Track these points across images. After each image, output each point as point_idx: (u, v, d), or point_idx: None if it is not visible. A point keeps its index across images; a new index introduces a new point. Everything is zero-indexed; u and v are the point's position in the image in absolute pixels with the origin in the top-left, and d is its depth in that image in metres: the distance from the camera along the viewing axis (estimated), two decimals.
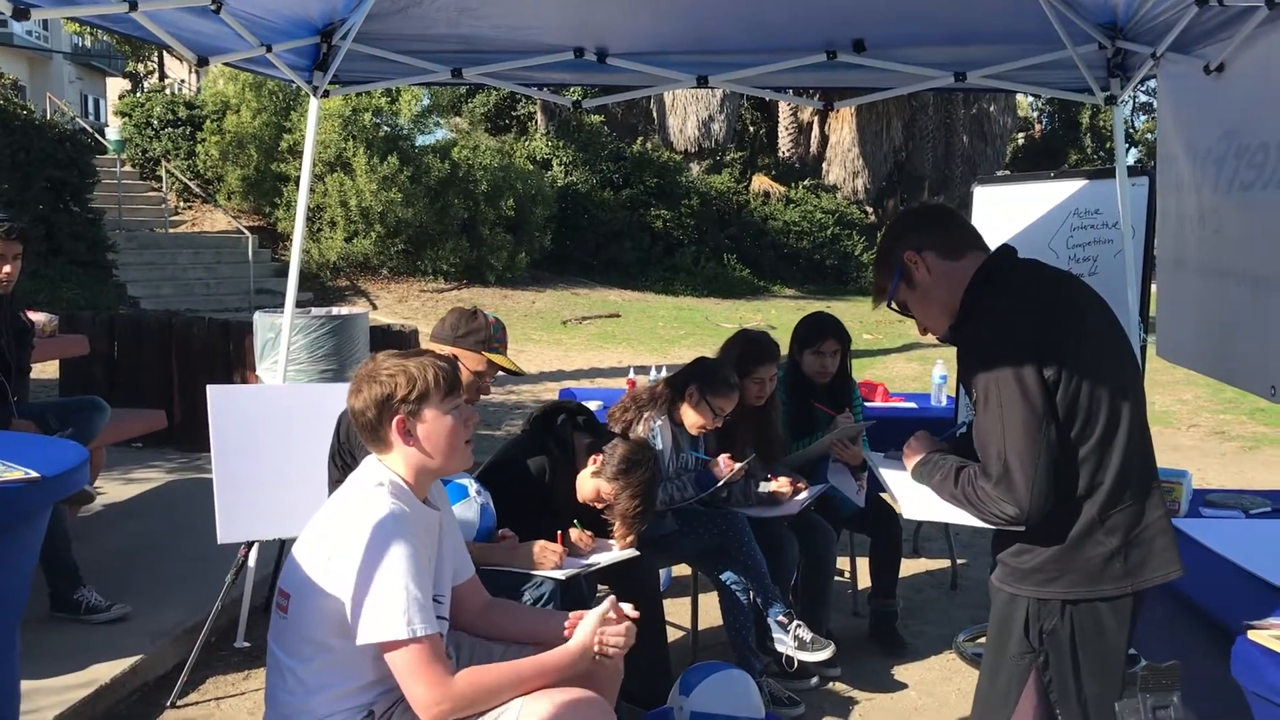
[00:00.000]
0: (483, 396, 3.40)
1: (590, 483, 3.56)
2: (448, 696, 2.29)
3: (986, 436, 2.19)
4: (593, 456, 3.56)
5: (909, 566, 5.14)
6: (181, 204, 20.24)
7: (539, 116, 25.32)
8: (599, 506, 3.58)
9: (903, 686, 4.25)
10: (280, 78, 4.71)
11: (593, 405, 5.49)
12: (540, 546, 3.24)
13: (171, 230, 18.90)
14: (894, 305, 2.50)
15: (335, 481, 3.23)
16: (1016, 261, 2.39)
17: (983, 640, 4.58)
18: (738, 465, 4.01)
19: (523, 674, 2.40)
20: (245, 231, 18.05)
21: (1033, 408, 2.14)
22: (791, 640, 3.89)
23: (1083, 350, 2.20)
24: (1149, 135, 41.74)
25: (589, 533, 3.53)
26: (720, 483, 3.99)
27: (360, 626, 2.28)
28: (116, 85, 37.99)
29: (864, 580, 4.92)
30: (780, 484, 4.24)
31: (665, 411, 4.06)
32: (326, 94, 4.55)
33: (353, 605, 2.28)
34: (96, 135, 19.82)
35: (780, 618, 3.93)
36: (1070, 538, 2.21)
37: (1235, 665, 2.36)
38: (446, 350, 3.22)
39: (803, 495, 4.23)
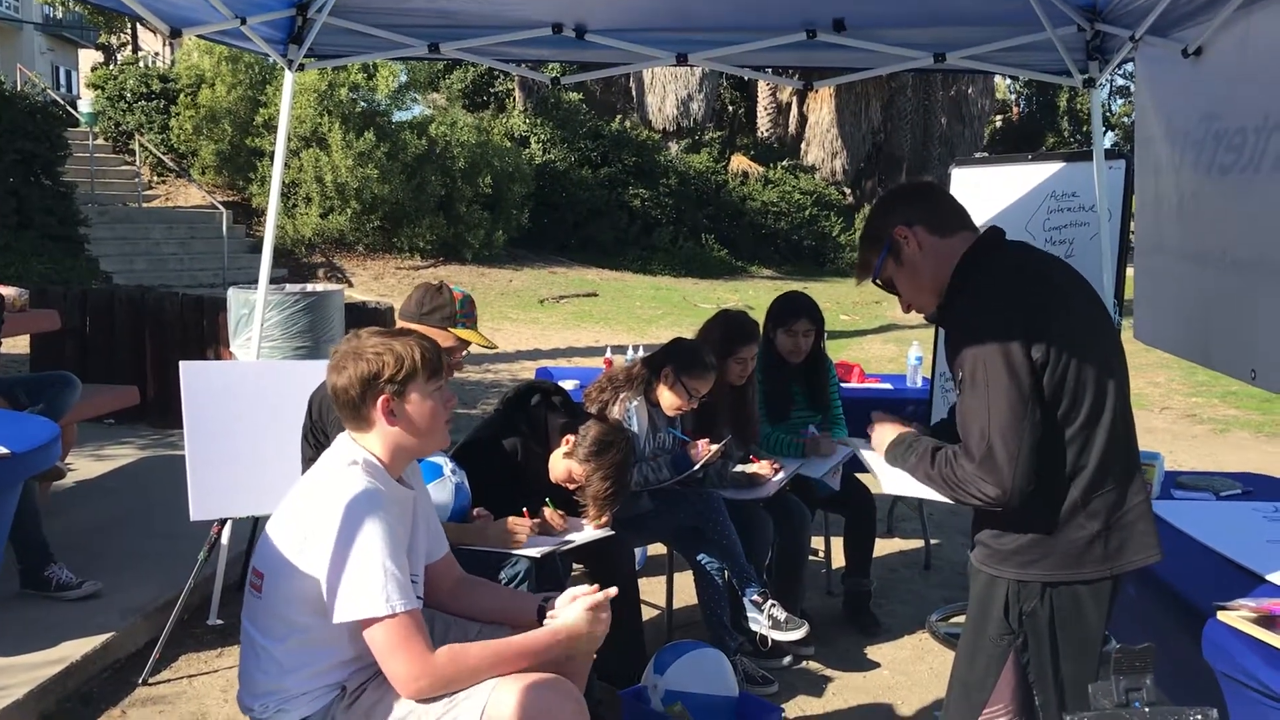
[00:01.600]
0: (457, 375, 3.37)
1: (562, 464, 3.55)
2: (427, 672, 2.28)
3: (971, 416, 2.18)
4: (565, 438, 3.55)
5: (883, 546, 5.16)
6: (155, 178, 20.03)
7: (517, 93, 25.17)
8: (571, 487, 3.57)
9: (876, 665, 4.28)
10: (255, 51, 4.65)
11: (569, 385, 5.48)
12: (510, 523, 3.23)
13: (145, 205, 18.70)
14: (879, 281, 2.47)
15: (308, 460, 3.21)
16: (1005, 243, 2.38)
17: (956, 620, 4.63)
18: (714, 448, 4.01)
19: (504, 654, 2.39)
20: (219, 207, 17.89)
21: (1019, 388, 2.13)
22: (766, 620, 3.90)
23: (1070, 332, 2.20)
24: (1125, 119, 41.97)
25: (561, 512, 3.52)
26: (697, 466, 3.99)
27: (337, 605, 2.26)
28: (89, 57, 37.49)
29: (838, 560, 4.95)
30: (758, 466, 4.24)
31: (641, 392, 4.05)
32: (302, 68, 4.49)
33: (329, 584, 2.27)
34: (68, 107, 19.56)
35: (755, 597, 3.94)
36: (1052, 521, 2.22)
37: (1206, 647, 2.38)
38: (413, 328, 3.19)
39: (778, 477, 4.24)
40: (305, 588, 2.31)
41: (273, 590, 2.37)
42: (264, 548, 2.42)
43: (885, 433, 2.47)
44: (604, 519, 3.54)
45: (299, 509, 2.39)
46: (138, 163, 19.43)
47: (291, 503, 2.43)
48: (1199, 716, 1.26)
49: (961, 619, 4.57)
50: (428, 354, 2.45)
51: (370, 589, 2.24)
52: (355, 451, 2.44)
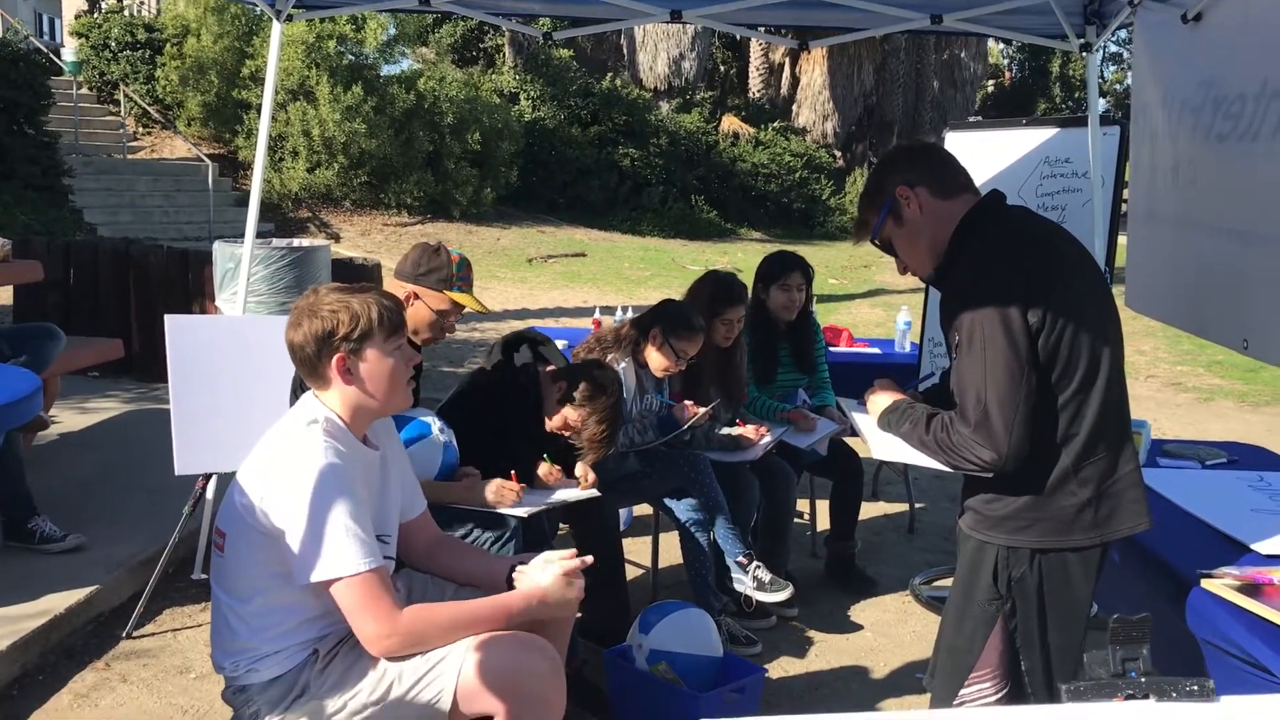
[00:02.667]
0: (446, 335, 3.35)
1: (558, 413, 3.54)
2: (396, 630, 2.27)
3: (967, 380, 2.17)
4: (557, 385, 3.53)
5: (867, 510, 5.18)
6: (140, 129, 19.79)
7: (507, 49, 24.93)
8: (566, 434, 3.56)
9: (858, 627, 4.30)
10: (242, 0, 4.57)
11: (558, 345, 5.47)
12: (497, 485, 3.22)
13: (130, 156, 18.48)
14: (877, 242, 2.44)
15: None
16: (1005, 207, 2.36)
17: (939, 583, 4.66)
18: (702, 410, 4.01)
19: (476, 614, 2.39)
20: (205, 159, 17.70)
21: (1017, 353, 2.12)
22: (750, 581, 3.92)
23: (1068, 299, 2.19)
24: (1117, 85, 41.87)
25: (558, 467, 3.52)
26: (684, 428, 3.98)
27: (300, 566, 2.25)
28: (73, 4, 36.84)
29: (823, 523, 4.96)
30: (744, 429, 4.23)
31: (630, 354, 4.04)
32: (290, 18, 4.43)
33: (290, 545, 2.25)
34: (52, 56, 19.25)
35: (740, 558, 3.95)
36: (1043, 487, 2.22)
37: (1189, 614, 2.40)
38: (408, 288, 3.17)
39: (765, 440, 4.24)
40: (266, 548, 2.29)
41: (234, 550, 2.36)
42: (227, 507, 2.40)
43: (880, 400, 2.46)
44: (593, 478, 3.54)
45: (258, 468, 2.36)
46: (123, 113, 19.19)
47: (252, 462, 2.40)
48: (1195, 687, 1.26)
49: (945, 582, 4.62)
50: (386, 311, 2.41)
51: (333, 549, 2.23)
52: (316, 410, 2.41)
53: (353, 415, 2.43)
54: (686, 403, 4.05)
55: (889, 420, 2.40)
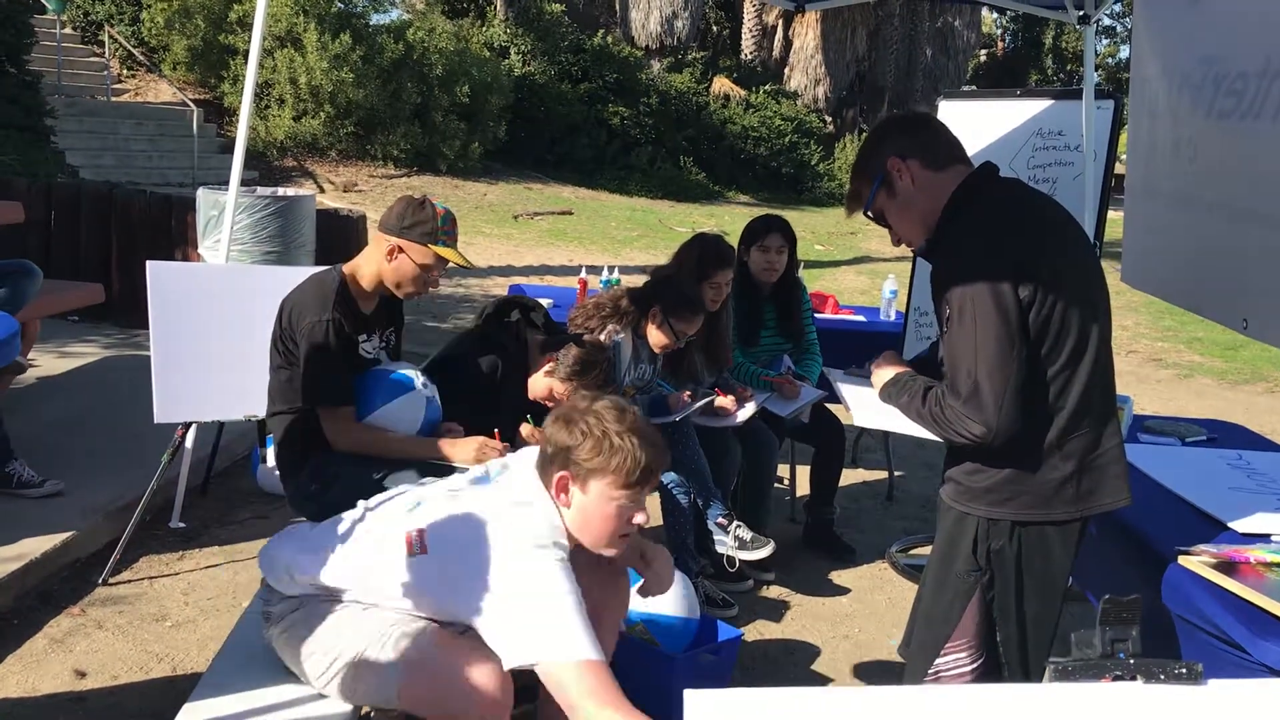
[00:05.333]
0: (430, 290, 3.32)
1: (544, 382, 3.52)
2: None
3: (958, 353, 2.16)
4: (547, 357, 3.52)
5: (847, 476, 5.20)
6: (125, 72, 19.51)
7: (498, 2, 24.64)
8: (550, 405, 3.54)
9: (834, 593, 4.33)
10: None
11: (544, 303, 5.44)
12: (480, 443, 3.20)
13: (114, 99, 18.23)
14: (870, 214, 2.42)
15: (277, 368, 3.17)
16: (998, 180, 2.34)
17: (916, 552, 4.70)
18: (695, 404, 3.99)
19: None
20: (190, 104, 17.47)
21: (1008, 325, 2.11)
22: (732, 540, 3.93)
23: (1059, 273, 2.18)
24: (1110, 59, 41.77)
25: (540, 430, 3.50)
26: (672, 417, 3.96)
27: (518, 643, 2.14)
28: None
29: (803, 488, 4.98)
30: (723, 400, 4.21)
31: (629, 327, 4.02)
32: None
33: (508, 617, 2.16)
34: None
35: (720, 519, 3.96)
36: (1026, 460, 2.22)
37: (1166, 591, 2.41)
38: (392, 241, 3.13)
39: (747, 407, 4.24)
40: (445, 584, 2.25)
41: (428, 566, 2.28)
42: (439, 523, 2.32)
43: (884, 373, 2.45)
44: None
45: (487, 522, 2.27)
46: (107, 55, 18.91)
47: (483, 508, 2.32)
48: (1183, 670, 1.26)
49: (921, 551, 4.66)
50: (633, 462, 2.23)
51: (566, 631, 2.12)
52: (547, 514, 2.30)
53: (568, 533, 2.32)
54: (681, 393, 4.04)
55: (889, 393, 2.39)
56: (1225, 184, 3.25)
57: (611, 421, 2.25)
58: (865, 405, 2.48)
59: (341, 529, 2.45)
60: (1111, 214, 4.79)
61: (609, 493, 2.25)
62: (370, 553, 2.37)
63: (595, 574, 2.50)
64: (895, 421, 2.37)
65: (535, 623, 2.11)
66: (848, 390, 2.60)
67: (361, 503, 2.52)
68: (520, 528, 2.24)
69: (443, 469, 3.05)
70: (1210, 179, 3.35)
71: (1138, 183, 3.96)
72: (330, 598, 2.41)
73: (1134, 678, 1.30)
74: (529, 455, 2.42)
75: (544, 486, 2.32)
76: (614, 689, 2.05)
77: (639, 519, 2.31)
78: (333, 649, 2.33)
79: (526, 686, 2.39)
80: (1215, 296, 3.36)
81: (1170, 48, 3.66)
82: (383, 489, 2.71)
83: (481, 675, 2.19)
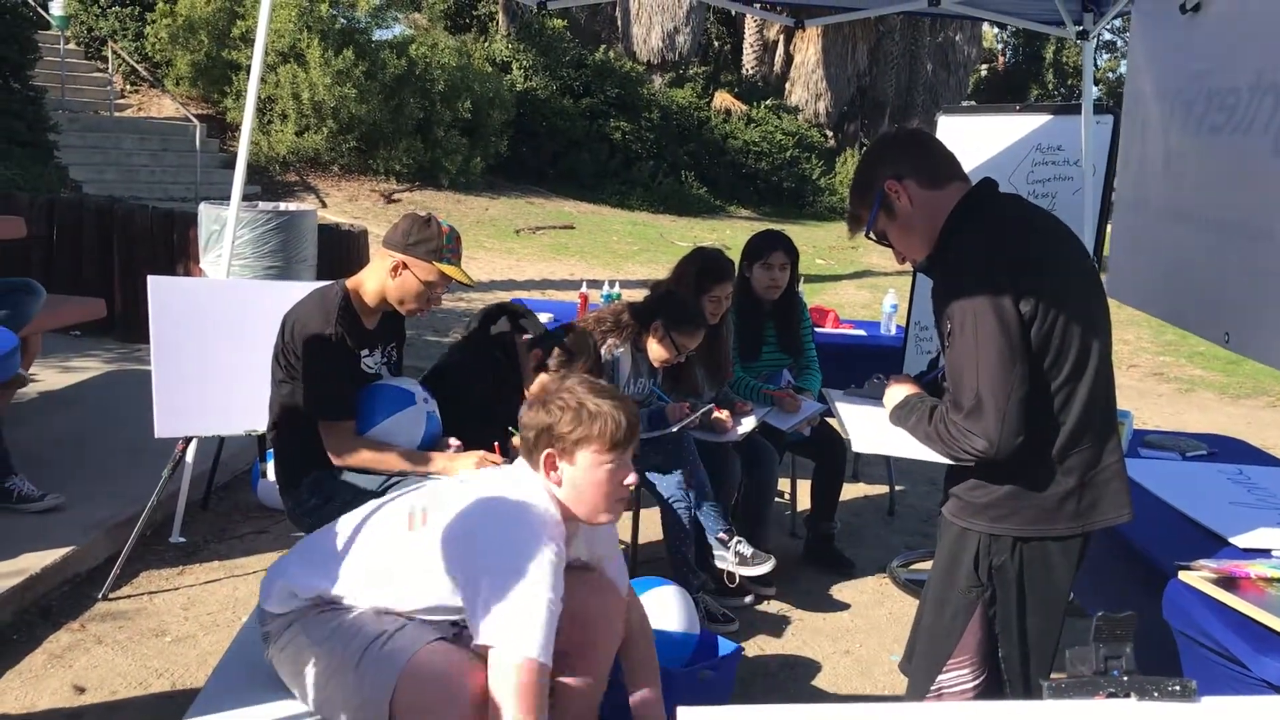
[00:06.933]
0: (432, 306, 3.33)
1: (536, 380, 3.53)
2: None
3: (960, 369, 2.17)
4: (533, 354, 3.52)
5: (848, 491, 5.19)
6: (128, 87, 19.56)
7: (500, 17, 24.72)
8: None
9: (835, 608, 4.32)
10: None
11: (544, 318, 5.44)
12: (480, 457, 3.21)
13: (116, 114, 18.28)
14: (872, 235, 2.42)
15: (279, 382, 3.17)
16: (998, 195, 2.34)
17: (917, 567, 4.68)
18: (693, 415, 3.99)
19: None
20: (193, 120, 17.51)
21: (1009, 341, 2.12)
22: (732, 556, 3.93)
23: (1060, 288, 2.18)
24: (1110, 74, 41.85)
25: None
26: (673, 429, 3.96)
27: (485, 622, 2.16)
28: None
29: (803, 503, 4.97)
30: (720, 414, 4.20)
31: (630, 340, 4.02)
32: None
33: (482, 594, 2.17)
34: (39, 9, 18.97)
35: (721, 535, 3.96)
36: (1028, 476, 2.22)
37: (1166, 606, 2.40)
38: (397, 257, 3.14)
39: (749, 421, 4.24)
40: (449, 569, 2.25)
41: (429, 540, 2.29)
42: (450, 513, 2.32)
43: (894, 394, 2.45)
44: None
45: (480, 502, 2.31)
46: (110, 70, 18.97)
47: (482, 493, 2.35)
48: (1177, 687, 1.26)
49: (923, 566, 4.64)
50: (614, 425, 2.31)
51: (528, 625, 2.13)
52: (538, 497, 2.34)
53: (562, 508, 2.36)
54: (680, 404, 4.04)
55: (899, 415, 2.39)
56: (1212, 198, 3.26)
57: (585, 392, 2.34)
58: (864, 431, 2.48)
59: (346, 528, 2.46)
60: (1111, 229, 4.80)
61: (596, 459, 2.31)
62: (374, 541, 2.39)
63: (592, 597, 2.50)
64: (894, 446, 2.37)
65: (504, 609, 2.13)
66: (847, 415, 2.60)
67: (371, 503, 2.53)
68: (518, 510, 2.28)
69: None
70: (1198, 193, 3.36)
71: (1128, 196, 3.97)
72: (328, 607, 2.40)
73: (1128, 695, 1.30)
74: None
75: (534, 471, 2.37)
76: (541, 697, 2.11)
77: (629, 480, 2.38)
78: (326, 667, 2.32)
79: None
80: (1198, 310, 3.37)
81: (1164, 63, 3.67)
82: None
83: (474, 686, 2.18)
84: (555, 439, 2.31)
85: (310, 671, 2.34)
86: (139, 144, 17.08)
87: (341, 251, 7.81)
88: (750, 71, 29.64)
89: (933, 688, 2.36)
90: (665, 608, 3.41)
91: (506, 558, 2.18)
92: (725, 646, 3.43)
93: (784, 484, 5.16)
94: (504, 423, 3.46)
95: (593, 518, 2.40)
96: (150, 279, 3.92)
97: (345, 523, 2.49)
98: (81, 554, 3.95)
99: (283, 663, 2.41)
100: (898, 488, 5.70)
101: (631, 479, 2.39)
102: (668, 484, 3.95)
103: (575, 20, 26.24)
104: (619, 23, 27.27)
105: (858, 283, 15.23)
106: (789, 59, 29.53)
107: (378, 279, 3.19)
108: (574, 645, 2.45)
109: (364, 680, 2.25)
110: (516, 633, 2.11)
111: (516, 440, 3.41)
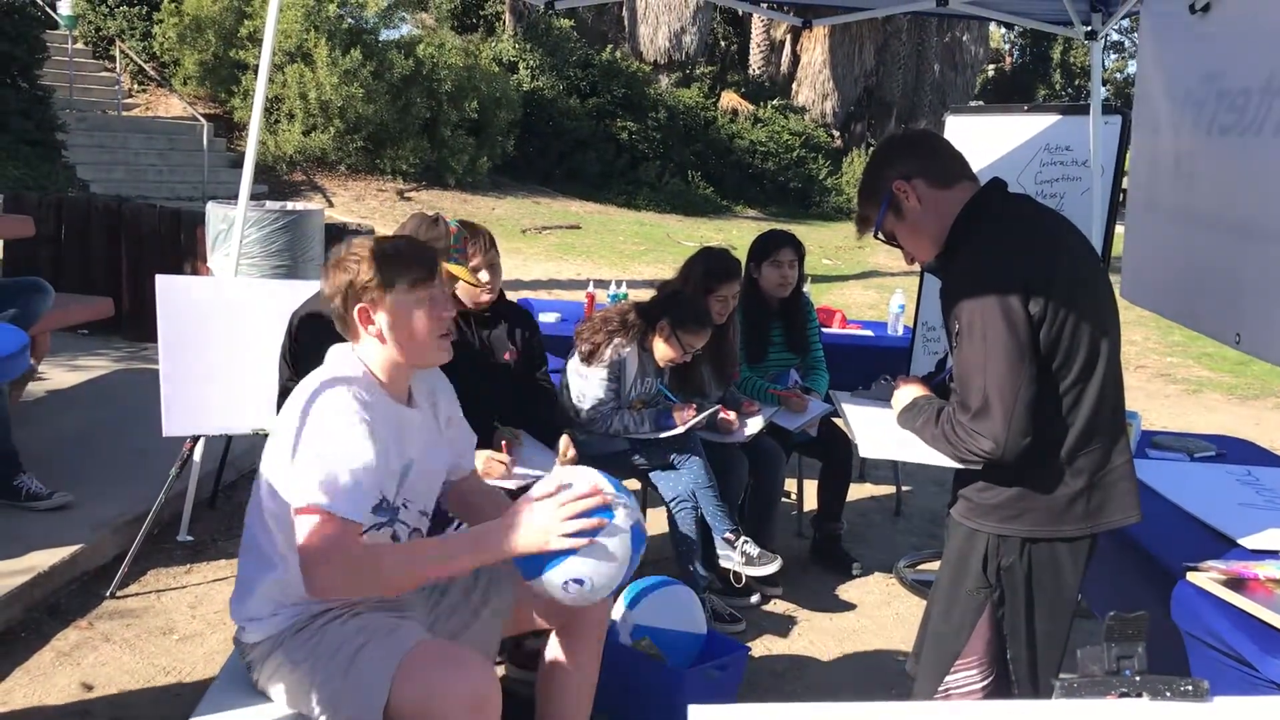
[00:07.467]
0: None
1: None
2: (339, 562, 2.12)
3: (968, 369, 2.16)
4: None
5: (854, 491, 5.18)
6: (136, 86, 19.61)
7: (507, 17, 24.74)
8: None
9: (842, 608, 4.31)
10: None
11: (551, 317, 5.45)
12: (486, 457, 3.21)
13: (124, 113, 18.32)
14: (881, 236, 2.42)
15: (286, 380, 3.18)
16: (1008, 195, 2.34)
17: (924, 567, 4.68)
18: (699, 416, 3.99)
19: (416, 554, 2.23)
20: (201, 119, 17.55)
21: (1018, 342, 2.11)
22: (739, 556, 3.92)
23: (1069, 289, 2.18)
24: (1118, 74, 41.79)
25: (520, 431, 3.52)
26: (679, 430, 3.96)
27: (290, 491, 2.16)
28: None
29: (809, 503, 4.97)
30: (729, 415, 4.20)
31: (636, 340, 4.02)
32: None
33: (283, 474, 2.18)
34: (47, 9, 19.00)
35: (727, 535, 3.96)
36: (1036, 477, 2.21)
37: (1175, 608, 2.40)
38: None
39: (755, 421, 4.24)
40: (273, 481, 2.23)
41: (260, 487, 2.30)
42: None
43: (903, 395, 2.45)
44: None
45: (282, 419, 2.28)
46: (118, 70, 19.02)
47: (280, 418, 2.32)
48: (1189, 687, 1.26)
49: (929, 566, 4.64)
50: (412, 257, 2.30)
51: (323, 479, 2.12)
52: (344, 362, 2.32)
53: (385, 370, 2.32)
54: (687, 406, 4.04)
55: (907, 418, 2.39)
56: (1223, 199, 3.26)
57: (372, 240, 2.31)
58: (870, 435, 2.48)
59: (253, 508, 2.40)
60: (1119, 229, 4.79)
61: (406, 298, 2.28)
62: (267, 490, 2.31)
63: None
64: (900, 451, 2.37)
65: (294, 468, 2.14)
66: (853, 417, 2.59)
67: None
68: (315, 385, 2.25)
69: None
70: (1208, 194, 3.35)
71: (1140, 197, 3.96)
72: (305, 624, 2.35)
73: (1140, 695, 1.30)
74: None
75: (351, 340, 2.34)
76: (332, 548, 2.08)
77: (449, 313, 2.35)
78: (315, 680, 2.29)
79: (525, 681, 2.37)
80: (1210, 311, 3.36)
81: (1174, 64, 3.66)
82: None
83: (468, 680, 2.17)
84: (361, 291, 2.27)
85: (301, 691, 2.31)
86: (146, 143, 17.12)
87: None
88: (757, 71, 29.64)
89: (940, 688, 2.36)
90: (673, 607, 3.41)
91: (300, 427, 2.17)
92: (732, 646, 3.44)
93: (790, 484, 5.16)
94: (486, 409, 3.42)
95: (423, 359, 2.35)
96: (158, 278, 3.93)
97: (251, 505, 2.43)
98: (89, 552, 3.96)
99: (272, 687, 2.36)
100: (904, 488, 5.69)
101: (451, 311, 2.37)
102: (673, 484, 3.95)
103: (582, 20, 26.26)
104: (626, 22, 27.28)
105: (864, 283, 15.22)
106: (796, 59, 29.52)
107: None
108: None
109: (357, 686, 2.23)
110: (298, 483, 2.12)
111: (481, 458, 3.39)
